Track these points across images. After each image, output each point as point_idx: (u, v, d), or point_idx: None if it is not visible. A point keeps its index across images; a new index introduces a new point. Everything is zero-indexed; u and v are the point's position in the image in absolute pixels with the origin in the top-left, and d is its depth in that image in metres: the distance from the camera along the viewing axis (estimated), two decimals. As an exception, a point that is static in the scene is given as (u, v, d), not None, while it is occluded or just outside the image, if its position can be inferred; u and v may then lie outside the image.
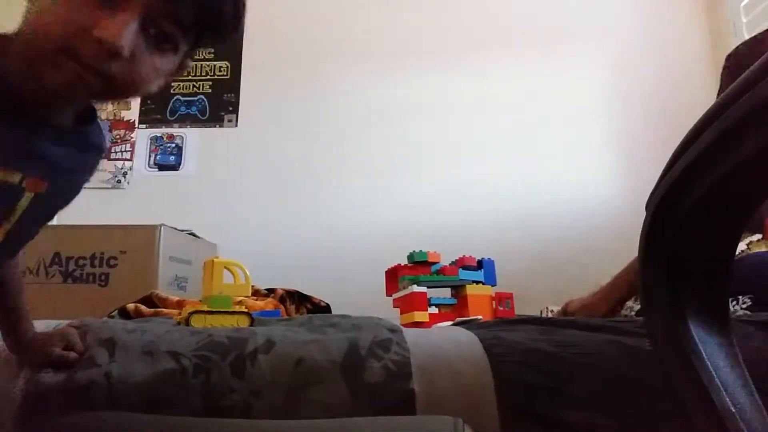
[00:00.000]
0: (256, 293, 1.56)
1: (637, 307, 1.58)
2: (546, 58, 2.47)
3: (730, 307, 1.19)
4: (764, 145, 0.31)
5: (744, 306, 1.19)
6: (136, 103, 2.53)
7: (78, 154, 0.68)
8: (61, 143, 0.64)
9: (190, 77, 2.55)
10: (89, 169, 0.74)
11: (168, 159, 2.47)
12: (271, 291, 1.62)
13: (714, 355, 0.39)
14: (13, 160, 0.58)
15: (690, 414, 0.40)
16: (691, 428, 0.40)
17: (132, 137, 2.49)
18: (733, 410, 0.37)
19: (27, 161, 0.60)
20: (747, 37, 2.23)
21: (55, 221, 2.30)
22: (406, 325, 1.27)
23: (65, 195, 0.71)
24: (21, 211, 0.62)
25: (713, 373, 0.38)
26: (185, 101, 2.53)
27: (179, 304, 1.34)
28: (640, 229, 0.48)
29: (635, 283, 1.22)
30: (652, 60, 2.45)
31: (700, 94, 2.34)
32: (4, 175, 0.57)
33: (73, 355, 0.81)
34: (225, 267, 1.10)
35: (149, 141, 2.49)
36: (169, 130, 2.50)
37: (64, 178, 0.67)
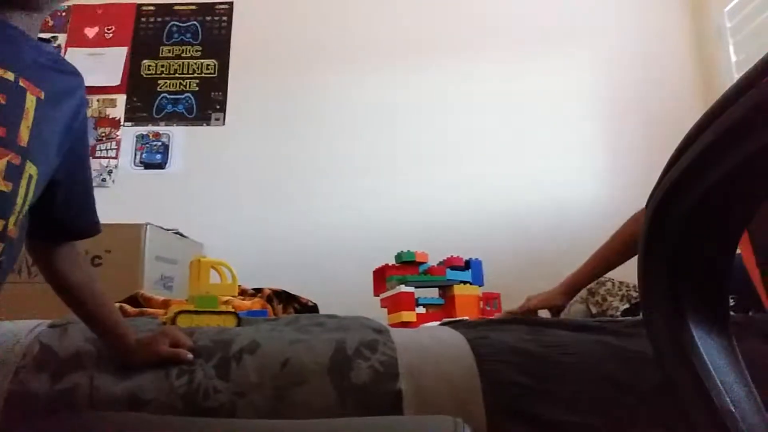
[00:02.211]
0: (243, 293, 1.55)
1: (623, 307, 1.59)
2: (533, 60, 2.49)
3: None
4: (764, 145, 0.31)
5: (731, 304, 1.20)
6: (121, 100, 2.50)
7: (58, 75, 0.73)
8: (39, 54, 0.70)
9: (176, 75, 2.53)
10: (80, 101, 0.77)
11: (154, 157, 2.44)
12: (258, 291, 1.61)
13: (714, 355, 0.39)
14: (2, 59, 0.63)
15: (690, 414, 0.40)
16: (691, 428, 0.40)
17: (117, 135, 2.46)
18: (733, 410, 0.37)
19: (16, 63, 0.65)
20: (731, 41, 2.26)
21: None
22: (393, 325, 1.27)
23: (58, 115, 0.71)
24: (33, 113, 0.65)
25: (713, 373, 0.38)
26: (172, 99, 2.50)
27: (165, 304, 1.33)
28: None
29: (596, 270, 1.30)
30: (638, 62, 2.47)
31: (685, 96, 2.38)
32: None
33: (184, 352, 0.81)
34: (211, 267, 1.09)
35: (135, 139, 2.46)
36: (156, 128, 2.47)
37: (56, 93, 0.70)
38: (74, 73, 0.77)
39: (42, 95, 0.67)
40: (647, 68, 2.46)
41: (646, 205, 0.43)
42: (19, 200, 0.64)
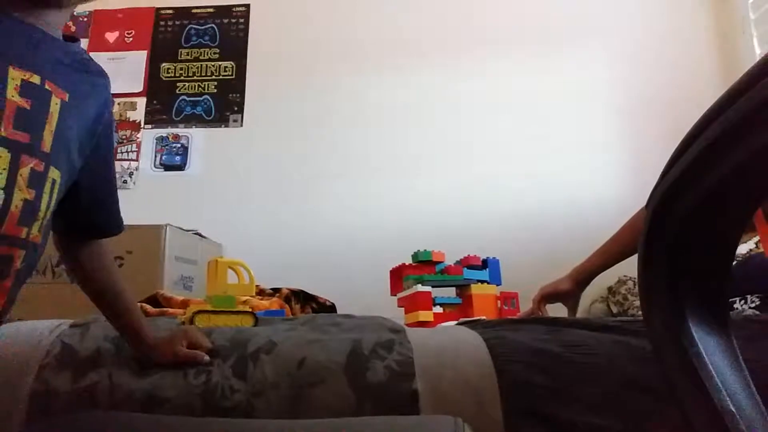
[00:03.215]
0: (261, 293, 1.56)
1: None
2: (552, 57, 2.46)
3: (738, 306, 1.18)
4: (764, 145, 0.31)
5: (753, 305, 1.18)
6: (141, 103, 2.53)
7: (84, 75, 0.73)
8: (63, 54, 0.69)
9: (195, 77, 2.56)
10: (105, 102, 0.77)
11: (173, 159, 2.47)
12: (276, 290, 1.62)
13: (714, 355, 0.39)
14: (29, 62, 0.63)
15: (689, 414, 0.39)
16: (691, 428, 0.40)
17: (138, 137, 2.50)
18: (733, 410, 0.37)
19: (42, 65, 0.65)
20: (755, 33, 2.21)
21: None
22: (410, 325, 1.27)
23: (82, 117, 0.71)
24: (57, 116, 0.65)
25: (713, 373, 0.38)
26: (190, 101, 2.53)
27: (184, 304, 1.34)
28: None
29: (606, 258, 1.30)
30: (659, 57, 2.43)
31: (708, 91, 2.32)
32: (24, 75, 0.62)
33: (200, 354, 0.82)
34: (229, 267, 1.10)
35: (155, 141, 2.49)
36: (175, 131, 2.51)
37: (80, 95, 0.70)
38: (100, 74, 0.77)
39: (66, 97, 0.67)
40: (667, 63, 2.41)
41: (647, 205, 0.43)
42: (43, 206, 0.64)
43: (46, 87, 0.65)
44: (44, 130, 0.64)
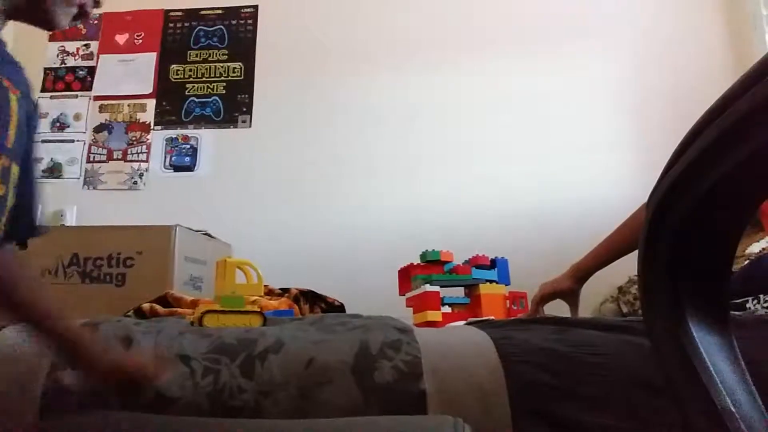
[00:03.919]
0: (270, 293, 1.57)
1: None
2: (560, 55, 2.45)
3: (751, 305, 1.17)
4: (765, 144, 0.31)
5: (766, 305, 1.16)
6: (151, 104, 2.55)
7: (22, 76, 0.72)
8: (5, 53, 0.69)
9: (204, 78, 2.57)
10: (34, 102, 0.76)
11: (183, 160, 2.49)
12: (285, 290, 1.63)
13: (714, 355, 0.39)
14: None
15: (689, 414, 0.39)
16: (691, 428, 0.39)
17: (148, 139, 2.52)
18: (733, 410, 0.37)
19: None
20: (768, 30, 2.18)
21: (73, 222, 2.30)
22: (419, 325, 1.26)
23: (25, 113, 0.70)
24: (16, 112, 0.65)
25: (713, 373, 0.38)
26: (200, 102, 2.55)
27: (194, 304, 1.35)
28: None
29: (605, 255, 1.30)
30: (669, 55, 2.41)
31: (718, 88, 2.28)
32: None
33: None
34: (237, 267, 1.11)
35: (165, 142, 2.51)
36: (184, 132, 2.52)
37: (25, 92, 0.69)
38: (25, 75, 0.77)
39: (19, 94, 0.67)
40: (679, 60, 2.39)
41: (647, 205, 0.43)
42: (9, 202, 0.65)
43: (4, 83, 0.64)
44: (9, 126, 0.63)
